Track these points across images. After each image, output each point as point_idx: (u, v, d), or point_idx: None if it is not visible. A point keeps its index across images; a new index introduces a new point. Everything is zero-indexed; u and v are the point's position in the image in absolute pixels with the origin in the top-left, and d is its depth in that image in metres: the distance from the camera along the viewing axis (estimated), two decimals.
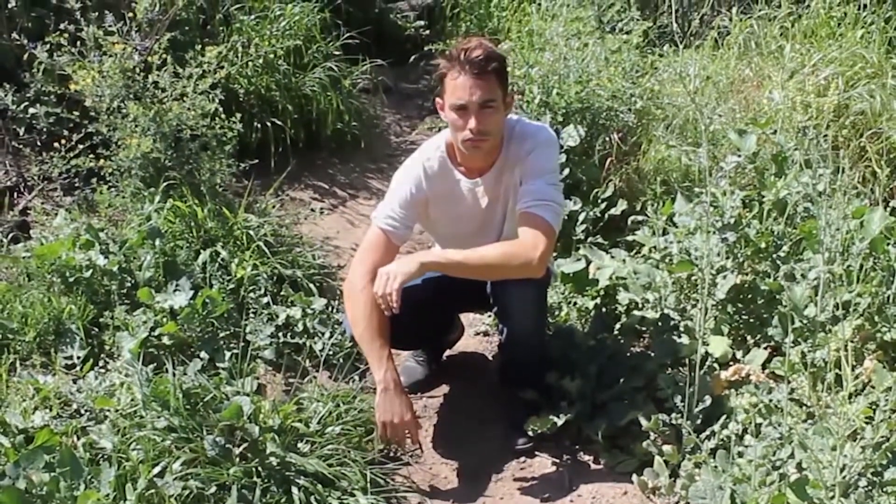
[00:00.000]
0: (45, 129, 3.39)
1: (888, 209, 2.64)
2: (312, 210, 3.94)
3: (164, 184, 3.22)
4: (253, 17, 4.20)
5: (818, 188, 2.63)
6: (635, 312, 2.88)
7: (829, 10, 3.98)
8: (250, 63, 4.04)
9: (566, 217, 3.32)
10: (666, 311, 2.79)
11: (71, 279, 2.83)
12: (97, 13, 3.29)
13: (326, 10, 4.56)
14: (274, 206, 3.61)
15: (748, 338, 2.72)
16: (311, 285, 3.22)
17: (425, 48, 4.70)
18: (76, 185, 3.43)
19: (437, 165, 2.54)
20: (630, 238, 3.25)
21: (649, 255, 3.04)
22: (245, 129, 3.65)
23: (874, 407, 2.03)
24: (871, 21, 3.91)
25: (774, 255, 2.72)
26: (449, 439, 2.69)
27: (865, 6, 3.96)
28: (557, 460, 2.57)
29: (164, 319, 2.73)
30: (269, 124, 4.01)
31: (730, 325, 2.74)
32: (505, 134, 2.49)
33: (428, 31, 5.23)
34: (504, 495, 2.47)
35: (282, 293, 3.08)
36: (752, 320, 2.72)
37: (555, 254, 3.18)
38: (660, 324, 2.76)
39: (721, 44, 4.20)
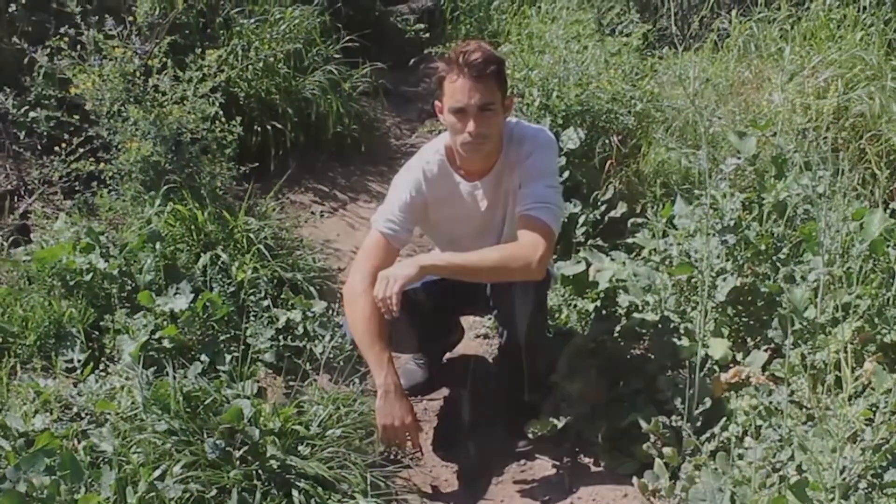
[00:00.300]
0: (45, 133, 3.39)
1: (888, 211, 2.63)
2: (313, 213, 3.95)
3: (165, 187, 3.23)
4: (253, 20, 4.20)
5: (818, 190, 2.63)
6: (635, 315, 2.87)
7: (828, 13, 3.99)
8: (250, 66, 4.05)
9: (566, 219, 3.32)
10: (666, 313, 2.79)
11: (71, 283, 2.83)
12: (97, 17, 3.30)
13: (326, 14, 4.57)
14: (274, 210, 3.61)
15: (748, 340, 2.71)
16: (312, 288, 3.22)
17: (425, 51, 4.71)
18: (76, 188, 3.43)
19: (437, 169, 2.54)
20: (630, 240, 3.25)
21: (649, 258, 3.03)
22: (245, 133, 3.65)
23: (874, 409, 2.03)
24: (871, 23, 3.92)
25: (774, 258, 2.72)
26: (449, 442, 2.69)
27: (865, 8, 3.96)
28: (557, 463, 2.57)
29: (165, 323, 2.73)
30: (269, 127, 4.02)
31: (730, 327, 2.73)
32: (504, 137, 2.49)
33: (428, 34, 5.23)
34: (504, 498, 2.47)
35: (282, 296, 3.08)
36: (752, 322, 2.72)
37: (555, 256, 3.18)
38: (660, 326, 2.75)
39: (720, 46, 4.20)
